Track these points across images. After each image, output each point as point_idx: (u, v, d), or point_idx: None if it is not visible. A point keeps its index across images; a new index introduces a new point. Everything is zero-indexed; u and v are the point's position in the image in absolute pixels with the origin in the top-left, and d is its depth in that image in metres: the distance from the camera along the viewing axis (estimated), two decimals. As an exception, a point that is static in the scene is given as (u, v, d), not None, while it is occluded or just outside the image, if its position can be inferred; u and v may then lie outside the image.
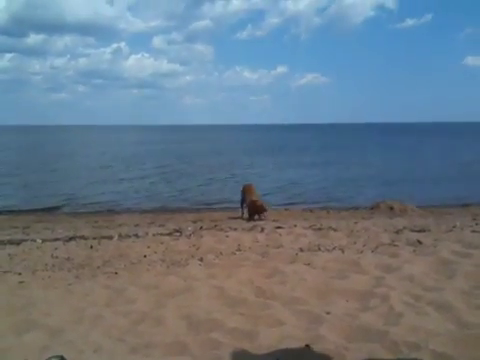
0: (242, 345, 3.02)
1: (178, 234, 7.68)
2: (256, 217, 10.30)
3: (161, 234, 7.71)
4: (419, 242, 6.10)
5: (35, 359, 2.72)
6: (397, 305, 3.65)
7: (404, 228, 7.41)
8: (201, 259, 5.61)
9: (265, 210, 10.39)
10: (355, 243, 6.25)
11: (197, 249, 6.28)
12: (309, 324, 3.38)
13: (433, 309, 3.56)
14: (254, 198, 10.56)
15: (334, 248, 5.98)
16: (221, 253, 5.91)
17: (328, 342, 3.02)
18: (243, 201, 11.03)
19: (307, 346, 2.96)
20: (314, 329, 3.26)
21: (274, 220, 9.57)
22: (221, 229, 8.12)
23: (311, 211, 12.26)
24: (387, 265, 4.95)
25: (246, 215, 10.69)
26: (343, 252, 5.73)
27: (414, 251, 5.61)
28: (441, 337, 3.04)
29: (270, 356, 2.87)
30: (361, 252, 5.69)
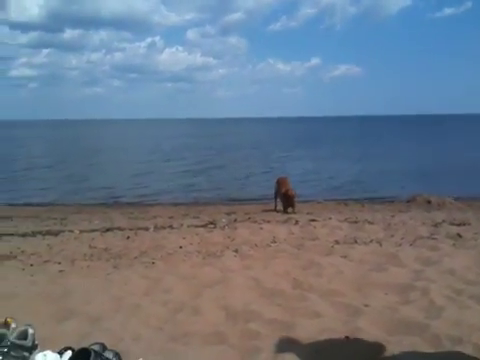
0: (281, 336, 3.01)
1: (212, 226, 7.72)
2: (290, 210, 10.27)
3: (196, 226, 7.78)
4: (459, 236, 5.96)
5: (76, 346, 2.77)
6: (438, 299, 3.56)
7: (443, 221, 7.26)
8: (236, 250, 5.62)
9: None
10: (392, 236, 6.16)
11: (232, 241, 6.30)
12: (347, 316, 3.33)
13: (475, 303, 3.46)
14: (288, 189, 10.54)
15: (371, 241, 5.90)
16: (256, 245, 5.91)
17: (368, 334, 2.96)
18: (277, 194, 11.01)
19: (347, 338, 2.93)
20: (353, 321, 3.21)
21: (308, 213, 9.54)
22: (255, 221, 8.14)
23: (345, 204, 12.17)
24: (426, 258, 4.85)
25: (280, 207, 10.67)
26: (381, 245, 5.65)
27: (454, 245, 5.49)
28: (484, 331, 2.95)
29: (310, 347, 2.85)
30: (399, 245, 5.60)
